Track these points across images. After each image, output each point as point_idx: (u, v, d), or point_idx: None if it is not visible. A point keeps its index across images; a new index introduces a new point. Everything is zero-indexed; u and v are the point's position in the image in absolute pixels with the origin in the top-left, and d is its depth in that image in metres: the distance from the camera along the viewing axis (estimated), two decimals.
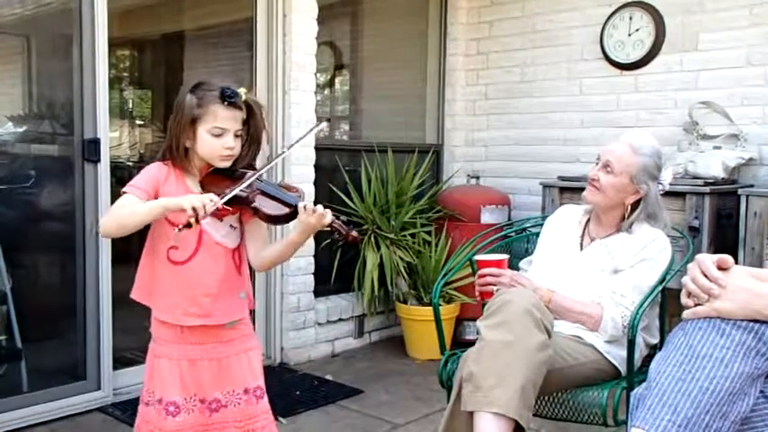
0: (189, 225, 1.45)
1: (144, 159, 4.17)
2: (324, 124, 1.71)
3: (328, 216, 1.55)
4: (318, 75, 3.50)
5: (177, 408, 1.61)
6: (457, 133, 4.21)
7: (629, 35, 3.47)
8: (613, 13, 3.52)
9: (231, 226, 1.67)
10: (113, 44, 2.80)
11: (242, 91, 1.61)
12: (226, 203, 1.55)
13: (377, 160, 3.71)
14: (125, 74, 4.80)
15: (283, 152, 1.74)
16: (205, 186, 1.62)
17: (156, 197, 1.58)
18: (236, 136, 1.61)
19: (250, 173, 1.62)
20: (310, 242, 3.30)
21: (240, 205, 1.60)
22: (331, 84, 4.09)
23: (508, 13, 3.96)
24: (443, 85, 4.21)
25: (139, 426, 1.68)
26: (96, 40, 2.66)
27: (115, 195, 2.74)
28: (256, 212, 1.61)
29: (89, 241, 2.71)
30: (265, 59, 3.31)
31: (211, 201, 1.47)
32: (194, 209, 1.44)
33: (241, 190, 1.57)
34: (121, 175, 3.95)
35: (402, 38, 4.22)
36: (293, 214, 1.58)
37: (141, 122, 4.61)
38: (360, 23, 4.11)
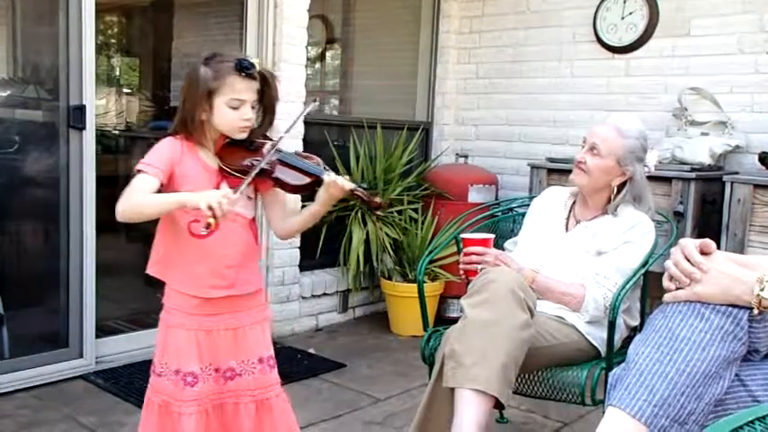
0: (209, 225, 1.43)
1: (131, 128, 4.11)
2: (313, 104, 1.74)
3: (351, 185, 1.59)
4: (309, 48, 3.46)
5: (195, 378, 1.61)
6: (447, 111, 4.20)
7: (623, 18, 3.46)
8: None
9: (248, 197, 1.67)
10: (101, 9, 2.74)
11: (256, 61, 1.60)
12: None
13: (366, 136, 3.69)
14: (113, 41, 4.70)
15: (294, 123, 1.73)
16: (222, 159, 1.62)
17: (171, 176, 1.57)
18: (252, 107, 1.61)
19: (268, 144, 1.63)
20: None
21: (261, 177, 1.60)
22: (322, 58, 4.05)
23: None
24: (435, 63, 4.18)
25: (150, 397, 1.65)
26: (83, 3, 2.60)
27: (100, 163, 2.75)
28: (277, 183, 1.62)
29: (73, 208, 2.69)
30: (255, 30, 3.26)
31: (225, 197, 1.46)
32: (210, 208, 1.43)
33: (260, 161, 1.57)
34: (107, 143, 3.90)
35: (394, 13, 4.17)
36: (315, 183, 1.60)
37: (129, 91, 4.54)
38: None
